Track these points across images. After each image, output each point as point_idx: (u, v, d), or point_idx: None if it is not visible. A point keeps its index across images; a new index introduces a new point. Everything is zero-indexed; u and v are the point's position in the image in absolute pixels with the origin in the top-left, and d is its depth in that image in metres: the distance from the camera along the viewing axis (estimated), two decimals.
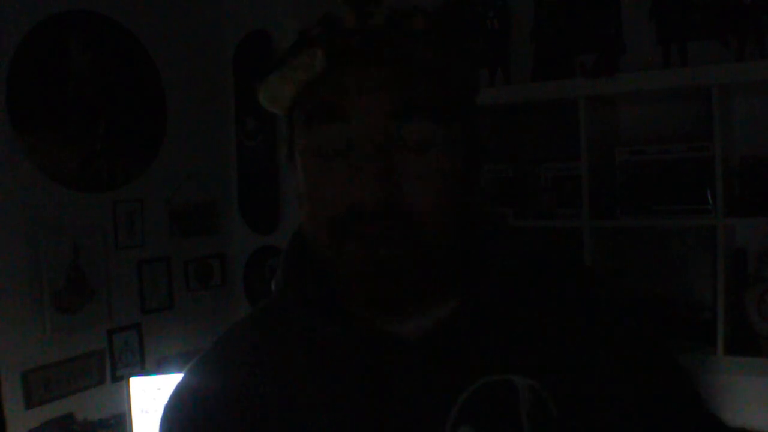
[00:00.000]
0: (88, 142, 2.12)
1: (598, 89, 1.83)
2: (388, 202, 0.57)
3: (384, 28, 0.59)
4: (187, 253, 2.44)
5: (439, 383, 0.60)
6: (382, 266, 0.58)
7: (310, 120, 0.61)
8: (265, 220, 2.58)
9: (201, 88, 2.50)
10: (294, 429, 0.62)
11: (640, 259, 1.97)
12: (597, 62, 1.84)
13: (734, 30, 1.76)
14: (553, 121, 2.06)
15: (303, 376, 0.63)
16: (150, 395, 1.93)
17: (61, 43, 2.05)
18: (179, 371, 1.96)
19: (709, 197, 1.74)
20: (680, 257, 1.95)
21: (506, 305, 0.64)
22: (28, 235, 1.95)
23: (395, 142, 0.58)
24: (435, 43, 0.60)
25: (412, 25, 0.60)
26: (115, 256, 2.19)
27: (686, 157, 1.78)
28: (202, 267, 2.51)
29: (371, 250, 0.58)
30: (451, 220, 0.61)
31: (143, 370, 2.18)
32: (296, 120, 0.63)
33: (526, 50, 2.04)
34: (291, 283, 0.69)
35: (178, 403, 0.68)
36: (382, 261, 0.58)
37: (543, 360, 0.62)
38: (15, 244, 1.92)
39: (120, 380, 2.08)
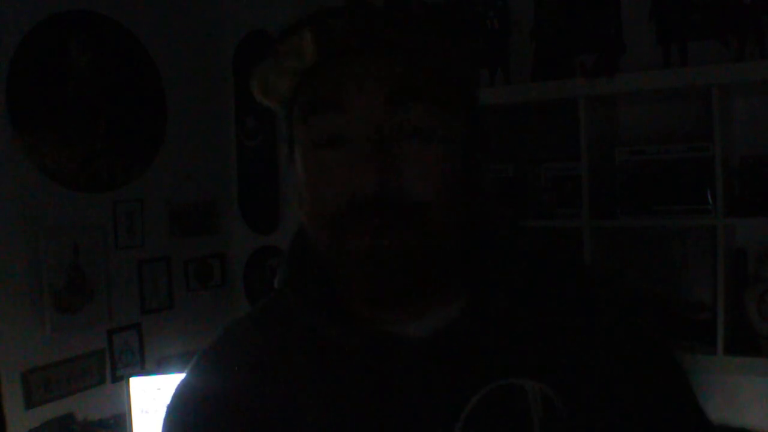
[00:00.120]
0: (88, 142, 2.12)
1: (598, 89, 1.83)
2: (386, 190, 0.56)
3: (379, 14, 0.58)
4: (187, 253, 2.44)
5: (444, 386, 0.59)
6: (383, 259, 0.57)
7: (306, 113, 0.60)
8: (265, 220, 2.58)
9: (201, 88, 2.50)
10: (296, 430, 0.61)
11: (640, 259, 1.97)
12: (597, 62, 1.84)
13: (734, 30, 1.76)
14: (553, 121, 2.06)
15: (305, 377, 0.63)
16: (150, 395, 1.93)
17: (61, 43, 2.05)
18: (179, 371, 1.96)
19: (709, 197, 1.74)
20: (680, 257, 1.95)
21: (512, 307, 0.63)
22: (28, 235, 1.95)
23: (393, 129, 0.57)
24: (432, 30, 0.59)
25: (408, 11, 0.59)
26: (115, 256, 2.19)
27: (686, 157, 1.78)
28: (202, 267, 2.51)
29: (371, 242, 0.56)
30: (453, 210, 0.60)
31: (143, 370, 2.18)
32: (294, 115, 0.63)
33: (526, 50, 2.03)
34: (293, 282, 0.68)
35: (179, 404, 0.68)
36: (383, 253, 0.57)
37: (549, 362, 0.61)
38: (15, 244, 1.92)
39: (120, 380, 2.08)
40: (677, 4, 1.84)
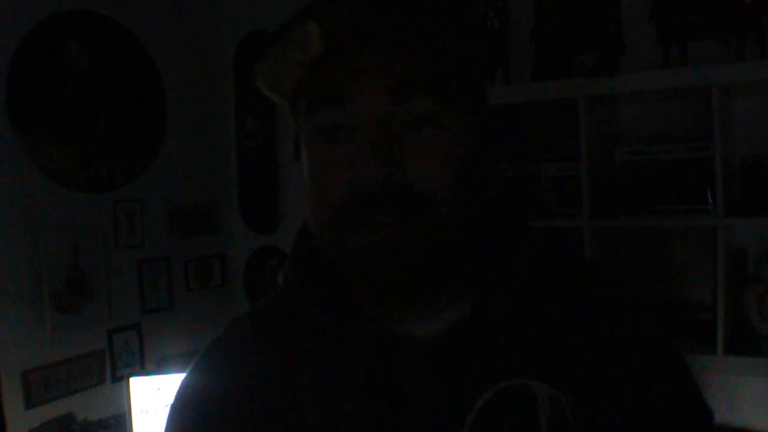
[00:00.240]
0: (88, 142, 2.12)
1: (598, 89, 1.83)
2: (390, 182, 0.55)
3: (383, 5, 0.58)
4: (187, 253, 2.44)
5: (451, 387, 0.59)
6: (386, 255, 0.56)
7: (311, 106, 0.60)
8: (265, 220, 2.58)
9: (201, 88, 2.50)
10: (303, 428, 0.60)
11: (640, 259, 1.97)
12: (597, 62, 1.84)
13: (734, 30, 1.76)
14: (553, 121, 2.06)
15: (308, 377, 0.62)
16: (150, 395, 1.93)
17: (61, 43, 2.05)
18: (179, 371, 1.96)
19: (709, 197, 1.74)
20: (680, 257, 1.95)
21: (518, 307, 0.62)
22: (28, 235, 1.95)
23: (397, 122, 0.57)
24: (437, 21, 0.59)
25: (413, 2, 0.59)
26: (115, 256, 2.19)
27: (686, 157, 1.78)
28: (202, 267, 2.51)
29: (375, 236, 0.56)
30: (459, 204, 0.59)
31: (143, 370, 2.18)
32: (300, 109, 0.62)
33: (526, 50, 2.04)
34: (297, 279, 0.67)
35: (181, 403, 0.68)
36: (386, 249, 0.56)
37: (555, 363, 0.60)
38: (15, 244, 1.92)
39: (120, 380, 2.08)
40: (677, 4, 1.84)
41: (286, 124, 2.50)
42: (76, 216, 2.08)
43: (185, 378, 0.70)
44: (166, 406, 1.91)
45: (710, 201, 1.74)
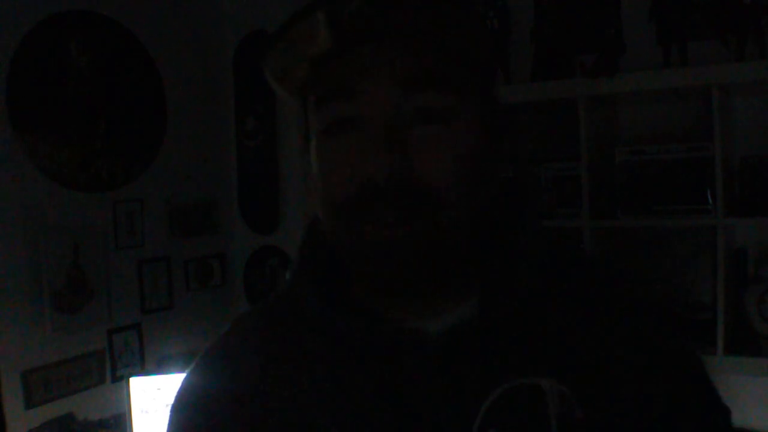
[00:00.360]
0: (88, 142, 2.12)
1: (598, 89, 1.83)
2: (399, 175, 0.55)
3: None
4: (187, 253, 2.44)
5: (458, 386, 0.58)
6: (396, 248, 0.56)
7: (320, 100, 0.60)
8: (265, 220, 2.58)
9: (201, 88, 2.50)
10: (309, 427, 0.60)
11: (640, 259, 1.97)
12: (597, 62, 1.84)
13: (734, 30, 1.76)
14: (553, 121, 2.06)
15: (312, 375, 0.62)
16: (150, 395, 1.93)
17: (61, 43, 2.05)
18: (179, 371, 1.97)
19: (709, 197, 1.74)
20: (680, 257, 1.95)
21: (528, 305, 0.62)
22: (28, 235, 1.95)
23: (407, 114, 0.57)
24: (446, 14, 0.58)
25: None
26: (115, 256, 2.19)
27: (686, 157, 1.78)
28: (202, 267, 2.51)
29: (385, 230, 0.56)
30: (466, 199, 0.59)
31: (143, 370, 2.18)
32: (309, 104, 0.62)
33: (526, 50, 2.04)
34: (303, 277, 0.67)
35: (180, 404, 0.68)
36: (396, 243, 0.56)
37: (566, 361, 0.60)
38: (15, 244, 1.92)
39: (120, 380, 2.08)
40: (677, 4, 1.84)
41: (286, 124, 2.51)
42: (76, 216, 2.08)
43: (186, 377, 0.69)
44: (167, 405, 1.91)
45: (710, 201, 1.74)
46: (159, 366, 2.25)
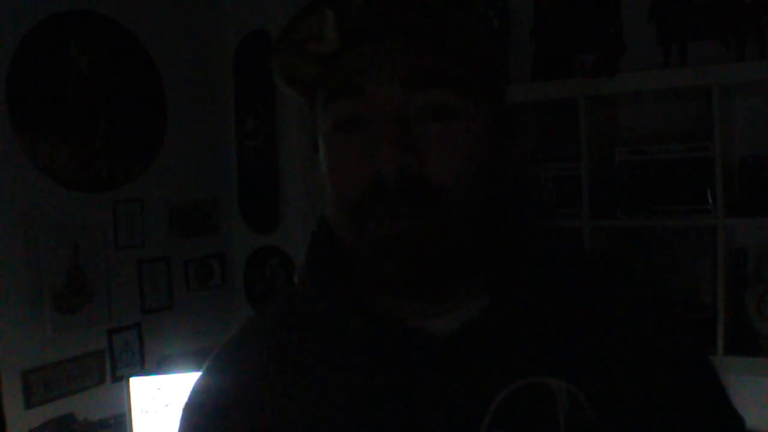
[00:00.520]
0: (88, 142, 2.12)
1: (598, 89, 1.83)
2: (407, 172, 0.55)
3: None
4: (187, 253, 2.44)
5: (469, 383, 0.58)
6: (405, 242, 0.56)
7: (328, 99, 0.60)
8: (265, 220, 2.58)
9: (201, 88, 2.50)
10: (317, 428, 0.60)
11: (640, 259, 1.97)
12: (597, 62, 1.84)
13: (734, 30, 1.76)
14: (553, 121, 2.06)
15: (325, 373, 0.62)
16: (150, 395, 1.93)
17: (61, 43, 2.05)
18: (179, 371, 1.97)
19: (709, 197, 1.74)
20: (680, 257, 1.95)
21: (540, 304, 0.61)
22: (28, 235, 1.95)
23: (413, 111, 0.57)
24: (453, 11, 0.59)
25: None
26: (115, 256, 2.19)
27: (686, 157, 1.78)
28: (202, 267, 2.51)
29: (393, 225, 0.56)
30: (477, 194, 0.59)
31: (143, 370, 2.18)
32: (317, 104, 0.62)
33: (526, 50, 2.04)
34: (313, 276, 0.67)
35: (191, 405, 0.68)
36: (404, 236, 0.56)
37: (575, 361, 0.59)
38: (15, 244, 1.92)
39: (120, 380, 2.08)
40: (677, 4, 1.84)
41: (286, 124, 2.51)
42: (76, 216, 2.08)
43: (198, 379, 0.70)
44: (167, 405, 1.92)
45: (710, 201, 1.74)
46: (159, 366, 2.25)
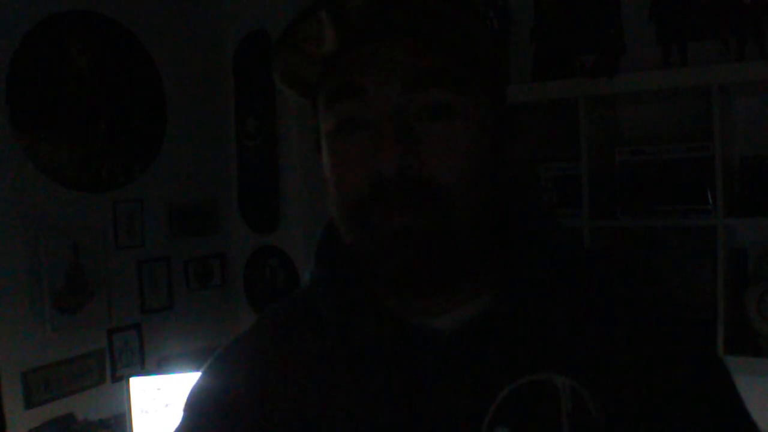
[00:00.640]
0: (88, 142, 2.12)
1: (598, 89, 1.83)
2: (407, 170, 0.56)
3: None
4: (187, 253, 2.44)
5: (472, 380, 0.58)
6: (405, 240, 0.56)
7: (329, 100, 0.60)
8: (265, 220, 2.58)
9: (201, 88, 2.50)
10: (323, 424, 0.60)
11: (641, 259, 1.97)
12: (597, 62, 1.84)
13: (734, 30, 1.76)
14: (553, 121, 2.06)
15: (330, 371, 0.62)
16: (150, 395, 1.93)
17: (61, 43, 2.05)
18: (179, 371, 1.97)
19: (709, 197, 1.74)
20: (680, 257, 1.95)
21: (544, 302, 0.61)
22: (28, 235, 1.95)
23: (413, 111, 0.57)
24: (451, 10, 0.59)
25: None
26: (115, 256, 2.19)
27: (686, 157, 1.79)
28: (202, 267, 2.51)
29: (395, 222, 0.56)
30: (477, 193, 0.59)
31: (143, 370, 2.18)
32: (319, 105, 0.63)
33: (526, 50, 2.04)
34: (321, 273, 0.68)
35: (191, 403, 0.68)
36: (405, 234, 0.56)
37: (581, 360, 0.59)
38: (15, 244, 1.92)
39: (120, 380, 2.08)
40: (677, 4, 1.84)
41: (286, 124, 2.51)
42: (76, 216, 2.08)
43: (199, 377, 0.70)
44: (167, 405, 1.92)
45: (710, 201, 1.74)
46: (159, 366, 2.25)
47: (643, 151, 1.84)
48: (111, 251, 2.18)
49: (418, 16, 0.58)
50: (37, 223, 1.97)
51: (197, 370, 0.71)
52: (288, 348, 0.66)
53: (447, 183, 0.57)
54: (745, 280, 1.83)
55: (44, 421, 1.95)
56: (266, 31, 2.49)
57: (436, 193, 0.57)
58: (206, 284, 2.52)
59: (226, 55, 2.58)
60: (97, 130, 2.14)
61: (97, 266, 2.12)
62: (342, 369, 0.62)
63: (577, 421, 0.57)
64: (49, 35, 2.02)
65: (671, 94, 1.87)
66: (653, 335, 0.62)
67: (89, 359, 2.10)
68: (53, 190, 2.02)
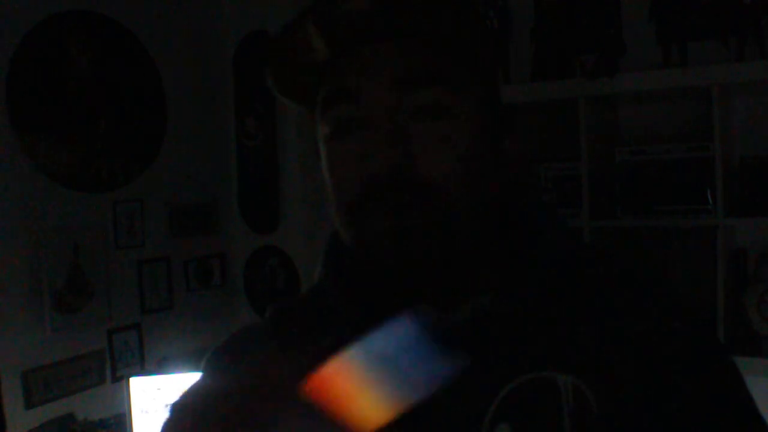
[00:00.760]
0: (88, 142, 2.12)
1: (598, 89, 1.83)
2: (400, 170, 0.56)
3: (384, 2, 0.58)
4: (187, 253, 2.44)
5: (473, 378, 0.57)
6: (401, 238, 0.57)
7: (324, 105, 0.61)
8: (265, 220, 2.58)
9: (201, 88, 2.50)
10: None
11: (643, 259, 1.97)
12: (597, 62, 1.84)
13: (734, 30, 1.76)
14: (553, 121, 2.06)
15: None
16: (150, 395, 1.93)
17: (61, 43, 2.05)
18: (179, 371, 1.97)
19: (709, 197, 1.74)
20: (680, 257, 1.95)
21: (546, 300, 0.61)
22: (28, 235, 1.95)
23: (405, 111, 0.58)
24: (441, 11, 0.59)
25: None
26: (115, 256, 2.19)
27: (686, 157, 1.79)
28: (202, 267, 2.51)
29: (391, 223, 0.56)
30: (473, 191, 0.59)
31: (143, 370, 2.18)
32: (316, 111, 0.63)
33: (526, 50, 2.04)
34: (328, 277, 0.68)
35: (177, 403, 0.68)
36: (400, 233, 0.56)
37: (583, 358, 0.59)
38: (15, 244, 1.92)
39: (120, 380, 2.08)
40: (677, 4, 1.83)
41: (286, 124, 2.51)
42: (76, 216, 2.08)
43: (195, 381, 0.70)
44: (167, 406, 1.91)
45: (710, 201, 1.74)
46: (159, 366, 2.25)
47: (643, 151, 1.84)
48: (111, 251, 2.18)
49: (407, 17, 0.58)
50: (37, 223, 1.97)
51: (197, 370, 0.71)
52: (285, 344, 0.66)
53: (440, 181, 0.57)
54: (745, 280, 1.83)
55: (44, 421, 1.95)
56: (266, 31, 2.48)
57: (431, 192, 0.57)
58: (206, 284, 2.52)
59: (226, 55, 2.58)
60: (97, 130, 2.14)
61: (97, 266, 2.12)
62: None
63: (578, 419, 0.56)
64: (49, 35, 2.02)
65: (671, 94, 1.87)
66: (655, 333, 0.62)
67: (89, 359, 2.10)
68: (53, 190, 2.02)
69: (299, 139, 2.45)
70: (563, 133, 1.95)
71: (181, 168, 2.40)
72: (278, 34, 0.61)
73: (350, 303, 0.65)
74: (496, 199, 0.64)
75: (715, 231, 1.72)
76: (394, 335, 0.48)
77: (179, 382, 1.91)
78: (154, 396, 1.92)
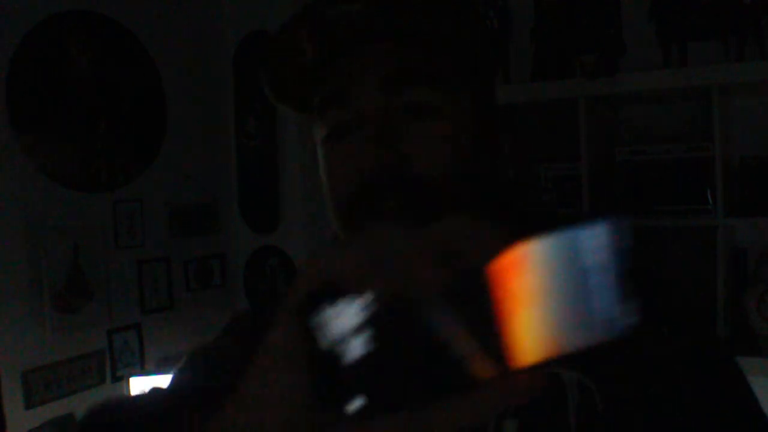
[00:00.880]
0: (88, 142, 2.12)
1: (598, 89, 1.83)
2: (392, 170, 0.57)
3: (372, 1, 0.59)
4: (187, 253, 2.44)
5: None
6: None
7: (319, 110, 0.62)
8: (265, 220, 2.58)
9: (201, 88, 2.50)
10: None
11: (642, 258, 1.97)
12: (597, 62, 1.84)
13: (734, 30, 1.76)
14: (553, 121, 2.06)
15: None
16: None
17: (61, 43, 2.05)
18: None
19: (709, 197, 1.74)
20: (680, 257, 1.95)
21: None
22: (28, 235, 1.95)
23: (396, 111, 0.58)
24: (429, 12, 0.60)
25: None
26: (115, 256, 2.19)
27: (686, 157, 1.78)
28: (202, 267, 2.51)
29: (382, 222, 0.57)
30: (468, 188, 0.60)
31: (143, 370, 2.18)
32: (313, 116, 0.64)
33: (526, 50, 2.04)
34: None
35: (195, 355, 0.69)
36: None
37: (588, 354, 0.59)
38: (15, 244, 1.92)
39: (120, 380, 2.08)
40: (677, 4, 1.83)
41: (286, 124, 2.51)
42: (76, 216, 2.08)
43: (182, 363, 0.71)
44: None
45: (710, 201, 1.74)
46: (159, 366, 2.25)
47: (643, 151, 1.84)
48: (111, 251, 2.18)
49: (394, 18, 0.59)
50: (37, 223, 1.97)
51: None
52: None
53: (435, 181, 0.58)
54: (745, 280, 1.83)
55: (44, 421, 1.95)
56: (266, 31, 2.48)
57: (423, 190, 0.57)
58: (206, 284, 2.52)
59: (226, 55, 2.58)
60: (97, 130, 2.14)
61: (97, 266, 2.12)
62: None
63: (584, 415, 0.57)
64: (49, 35, 2.02)
65: (671, 94, 1.87)
66: (659, 331, 0.62)
67: (89, 359, 2.10)
68: (53, 190, 2.02)
69: (299, 139, 2.45)
70: (563, 133, 1.95)
71: (181, 168, 2.40)
72: (271, 40, 0.62)
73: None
74: (492, 199, 0.65)
75: (715, 231, 1.72)
76: (596, 243, 0.35)
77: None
78: None
